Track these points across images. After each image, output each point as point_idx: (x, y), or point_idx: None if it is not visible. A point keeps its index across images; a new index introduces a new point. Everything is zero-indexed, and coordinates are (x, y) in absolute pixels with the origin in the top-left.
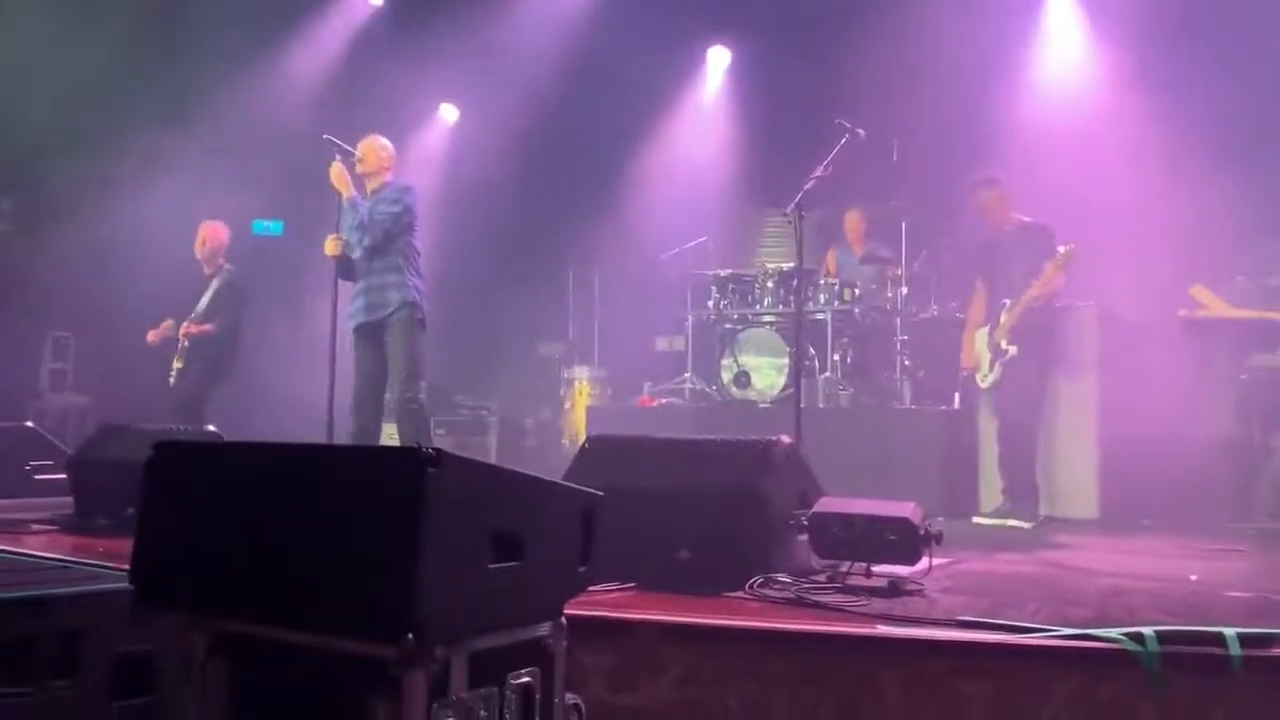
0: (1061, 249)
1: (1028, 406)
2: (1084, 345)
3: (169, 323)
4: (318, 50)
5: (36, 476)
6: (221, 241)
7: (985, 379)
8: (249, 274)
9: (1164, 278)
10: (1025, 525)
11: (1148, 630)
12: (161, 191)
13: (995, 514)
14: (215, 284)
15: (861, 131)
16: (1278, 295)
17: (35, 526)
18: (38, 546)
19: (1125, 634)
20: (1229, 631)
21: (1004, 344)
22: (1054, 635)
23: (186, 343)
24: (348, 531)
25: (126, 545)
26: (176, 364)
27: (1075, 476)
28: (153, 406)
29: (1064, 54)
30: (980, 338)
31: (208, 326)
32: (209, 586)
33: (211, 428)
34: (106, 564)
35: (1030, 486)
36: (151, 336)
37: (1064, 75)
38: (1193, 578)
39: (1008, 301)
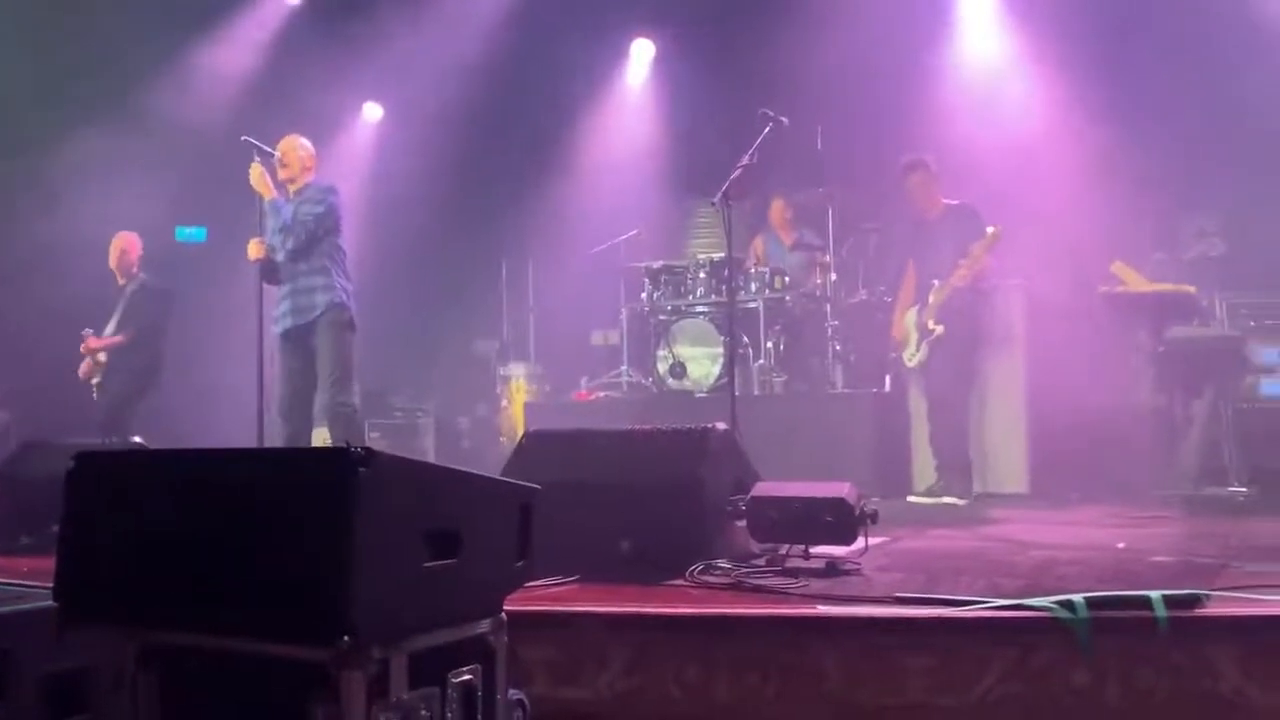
0: (989, 230)
1: (956, 385)
2: (1010, 324)
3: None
4: (236, 50)
5: None
6: (135, 252)
7: (912, 358)
8: (172, 281)
9: (1085, 256)
10: (960, 502)
11: (1077, 598)
12: (78, 199)
13: (929, 493)
14: (127, 294)
15: (785, 120)
16: (1191, 269)
17: None
18: None
19: (1056, 602)
20: (1154, 595)
21: (931, 323)
22: (988, 607)
23: (103, 356)
24: (279, 535)
25: (52, 563)
26: (95, 380)
27: (1005, 452)
28: (76, 421)
29: (984, 40)
30: (909, 317)
31: (116, 338)
32: (137, 598)
33: (137, 439)
34: (31, 583)
35: (963, 464)
36: (83, 371)
37: (984, 60)
38: (1120, 545)
39: (936, 282)
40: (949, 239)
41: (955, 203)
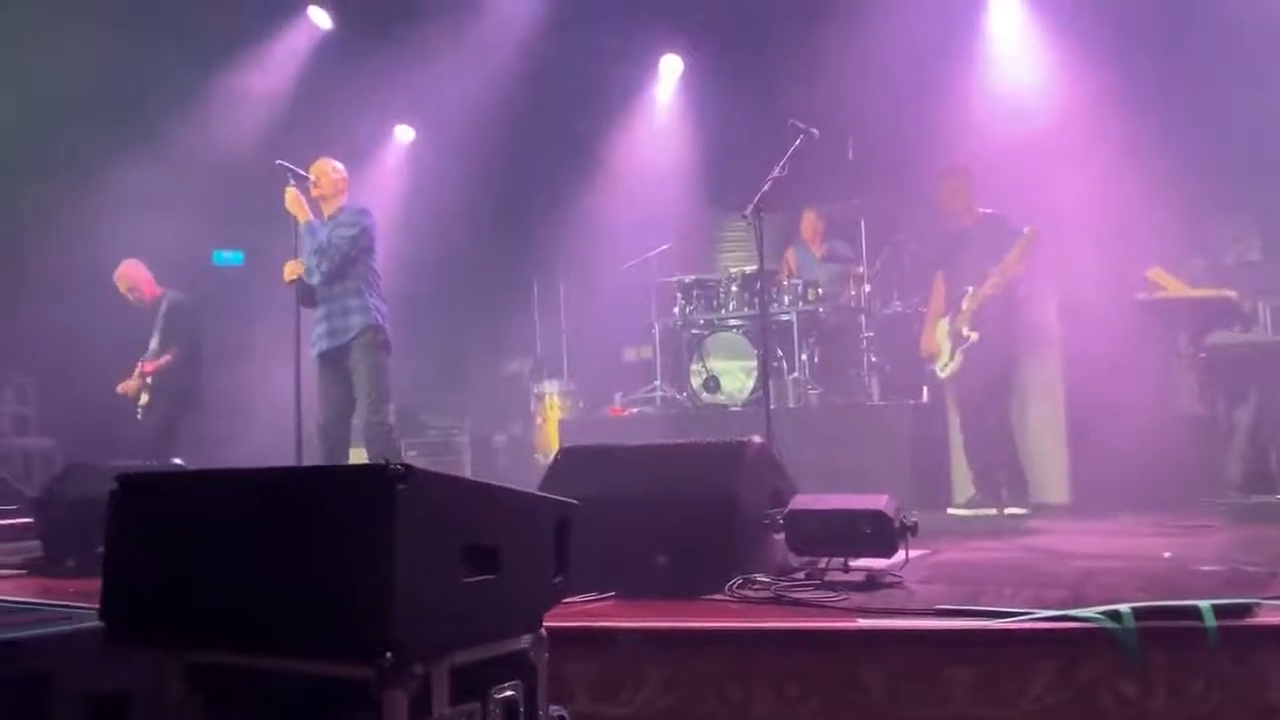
0: (1025, 230)
1: (995, 393)
2: (1047, 333)
3: (137, 371)
4: (269, 75)
5: (2, 522)
6: (139, 276)
7: (945, 368)
8: (207, 302)
9: (1121, 262)
10: (1021, 511)
11: (1124, 608)
12: (116, 226)
13: (969, 504)
14: (161, 313)
15: (815, 131)
16: (1231, 273)
17: (4, 572)
18: (5, 591)
19: (1102, 613)
20: (1204, 604)
21: (965, 330)
22: (1032, 618)
23: (149, 380)
24: (319, 552)
25: (97, 585)
26: (142, 400)
27: (1045, 462)
28: (118, 445)
29: (1014, 47)
30: (940, 327)
31: (165, 358)
32: (181, 618)
33: (178, 461)
34: (77, 604)
35: (1015, 471)
36: (122, 388)
37: (1015, 67)
38: (1166, 554)
39: (970, 289)
40: (981, 247)
41: (989, 211)
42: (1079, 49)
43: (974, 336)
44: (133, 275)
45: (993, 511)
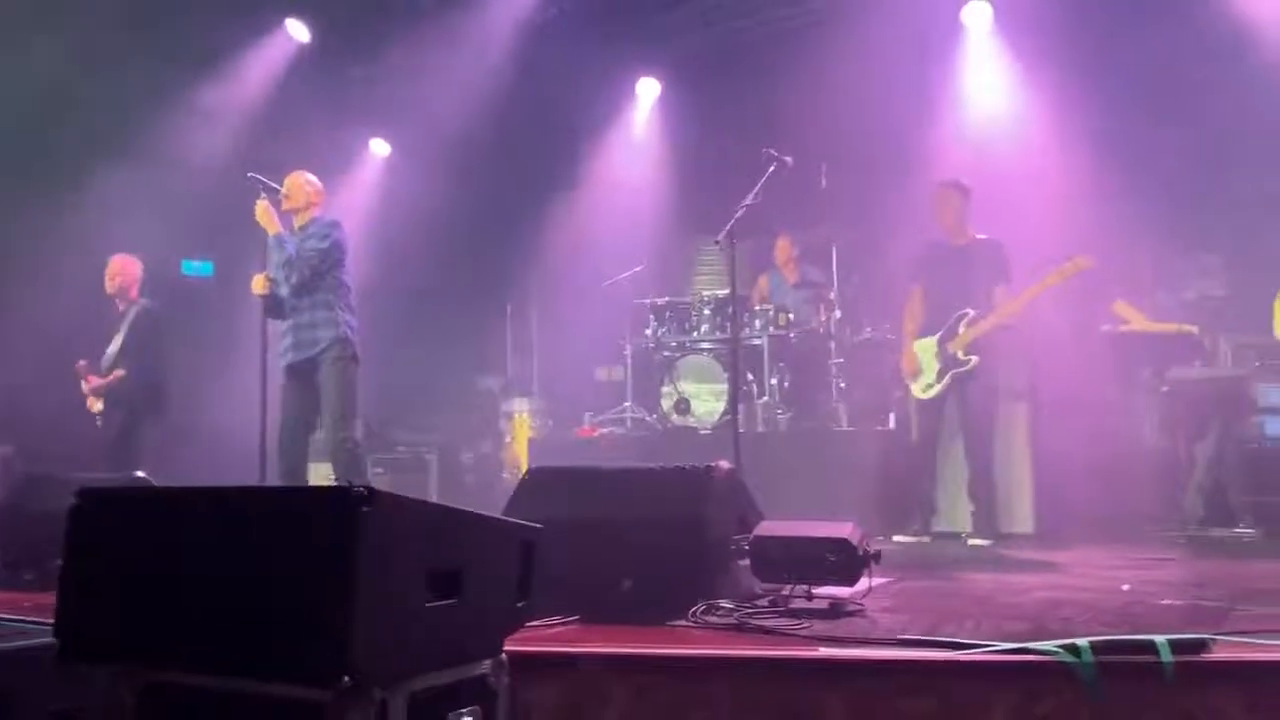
0: (1076, 259)
1: (989, 421)
2: (1012, 363)
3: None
4: (243, 87)
5: None
6: (133, 275)
7: (929, 389)
8: (174, 312)
9: (1088, 294)
10: (984, 542)
11: (1082, 641)
12: (83, 232)
13: (909, 531)
14: (127, 321)
15: (789, 159)
16: (1193, 309)
17: None
18: None
19: (1061, 646)
20: (1160, 639)
21: (961, 354)
22: (992, 650)
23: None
24: (280, 574)
25: (54, 599)
26: (97, 409)
27: (1010, 493)
28: (79, 453)
29: (985, 80)
30: (924, 346)
31: (118, 373)
32: (138, 636)
33: (140, 473)
34: (33, 619)
35: (991, 502)
36: (90, 402)
37: (987, 100)
38: (1125, 588)
39: (970, 312)
40: (975, 271)
41: (984, 237)
42: (1051, 83)
43: (973, 361)
44: (129, 271)
45: (927, 539)
